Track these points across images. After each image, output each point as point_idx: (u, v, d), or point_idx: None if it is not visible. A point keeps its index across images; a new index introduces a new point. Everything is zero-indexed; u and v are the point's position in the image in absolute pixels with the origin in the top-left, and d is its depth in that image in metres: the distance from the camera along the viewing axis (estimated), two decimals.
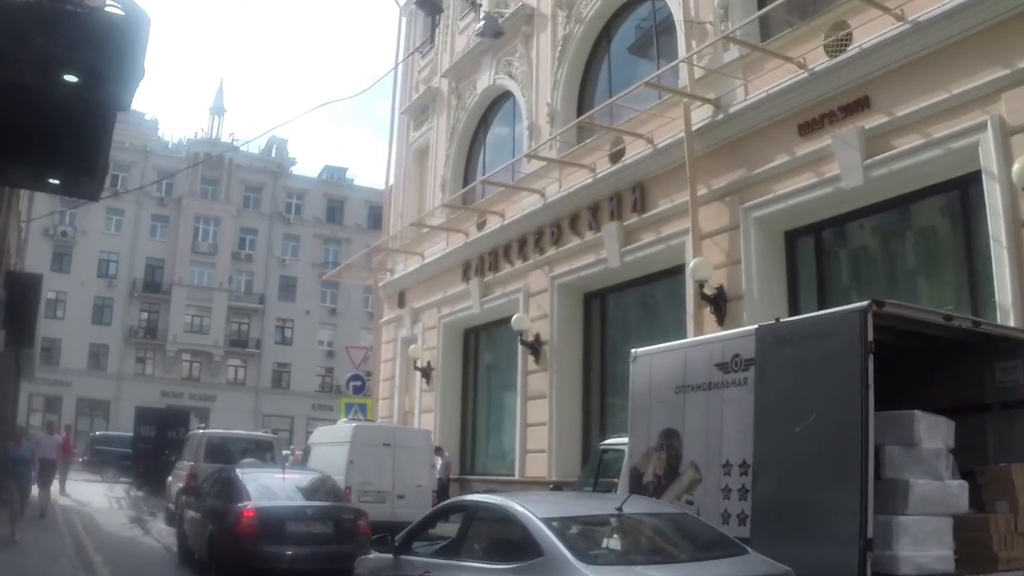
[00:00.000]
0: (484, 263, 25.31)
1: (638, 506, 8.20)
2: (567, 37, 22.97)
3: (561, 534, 7.22)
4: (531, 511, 7.59)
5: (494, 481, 23.47)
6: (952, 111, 13.34)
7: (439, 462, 23.29)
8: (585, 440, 21.43)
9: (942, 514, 8.74)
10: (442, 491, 22.59)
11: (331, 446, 21.29)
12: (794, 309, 16.07)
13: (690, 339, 12.59)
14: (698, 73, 17.87)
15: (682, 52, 18.56)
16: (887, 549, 8.26)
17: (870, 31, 14.50)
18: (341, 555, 13.84)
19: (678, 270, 18.57)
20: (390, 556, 9.04)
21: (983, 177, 12.88)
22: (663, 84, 18.51)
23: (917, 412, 8.95)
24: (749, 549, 7.63)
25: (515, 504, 7.95)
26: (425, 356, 27.96)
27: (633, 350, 12.01)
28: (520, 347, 22.86)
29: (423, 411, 27.92)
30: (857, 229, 15.98)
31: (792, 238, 16.69)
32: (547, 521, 7.36)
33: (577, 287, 22.10)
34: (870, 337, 8.39)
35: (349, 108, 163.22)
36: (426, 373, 27.87)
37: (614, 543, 7.52)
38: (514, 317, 22.66)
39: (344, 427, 22.48)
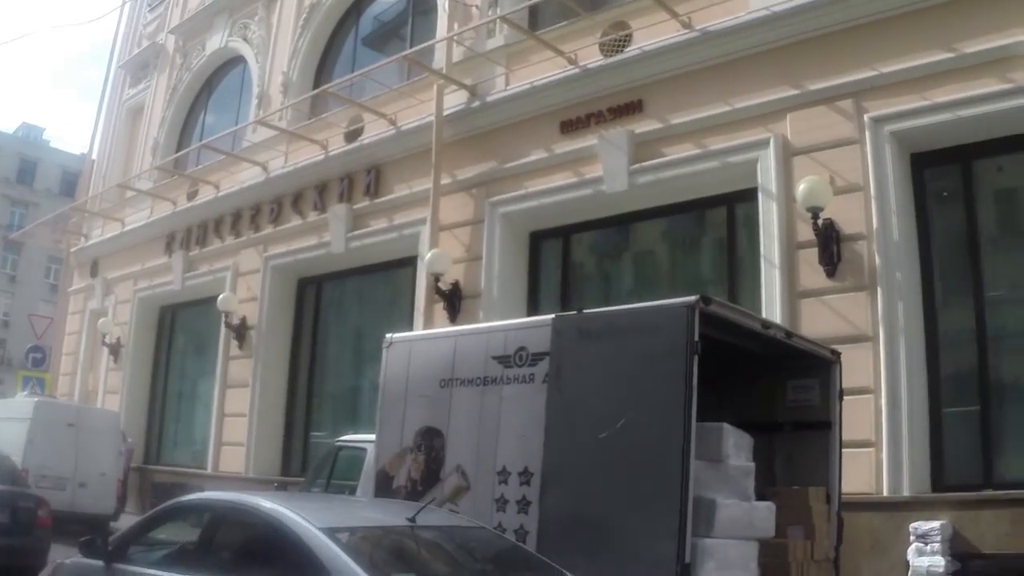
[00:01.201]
0: (191, 236, 22.10)
1: (432, 517, 6.09)
2: (314, 6, 20.36)
3: (351, 550, 5.09)
4: (307, 519, 5.35)
5: (182, 473, 20.59)
6: (733, 125, 12.30)
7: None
8: (288, 435, 18.90)
9: (748, 538, 7.30)
10: None
11: (6, 422, 17.77)
12: (533, 312, 14.43)
13: (463, 327, 10.57)
14: (456, 56, 16.03)
15: (441, 33, 16.65)
16: None
17: (651, 35, 13.22)
18: (17, 550, 11.39)
19: (409, 261, 16.58)
20: (100, 564, 6.51)
21: (759, 195, 11.81)
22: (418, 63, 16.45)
23: (726, 425, 7.43)
24: (567, 573, 5.74)
25: (283, 508, 5.61)
26: (115, 332, 24.14)
27: (388, 335, 9.70)
28: (223, 330, 19.96)
29: (108, 391, 24.10)
30: (612, 236, 14.65)
31: (538, 239, 15.13)
32: (331, 532, 5.18)
33: (292, 270, 19.48)
34: (696, 336, 6.80)
35: (58, 68, 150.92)
36: (115, 350, 24.10)
37: (414, 562, 5.52)
38: (220, 297, 19.62)
39: (23, 402, 19.12)
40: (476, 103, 15.47)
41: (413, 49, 16.57)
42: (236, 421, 19.19)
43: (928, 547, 9.43)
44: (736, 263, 12.62)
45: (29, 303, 61.04)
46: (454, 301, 14.90)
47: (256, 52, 21.97)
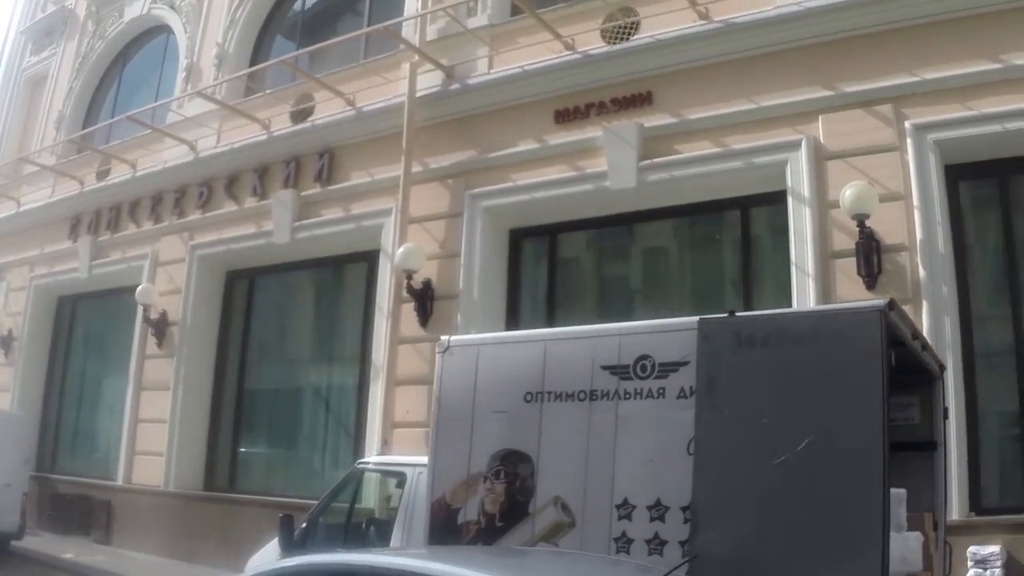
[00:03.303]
0: (101, 219, 20.96)
1: None
2: None
3: None
4: None
5: (87, 484, 19.42)
6: (757, 124, 12.07)
7: None
8: (211, 445, 17.89)
9: (901, 574, 6.72)
10: None
11: None
12: (513, 320, 14.03)
13: (553, 329, 9.54)
14: (431, 36, 15.53)
15: (410, 9, 16.12)
16: None
17: (663, 24, 12.96)
18: None
19: (366, 256, 16.00)
20: None
21: (789, 199, 11.59)
22: (389, 38, 15.85)
23: None
24: None
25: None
26: (6, 323, 22.86)
27: (445, 337, 8.71)
28: (139, 325, 18.91)
29: None
30: (612, 236, 14.32)
31: (518, 237, 14.63)
32: None
33: (222, 261, 18.51)
34: (886, 344, 6.30)
35: None
36: (6, 343, 22.73)
37: None
38: (139, 288, 18.54)
39: None
40: (455, 85, 14.95)
41: (383, 24, 15.83)
42: (153, 427, 18.07)
43: (988, 572, 9.42)
44: (754, 270, 12.43)
45: None
46: (425, 302, 14.29)
47: (185, 21, 21.01)
